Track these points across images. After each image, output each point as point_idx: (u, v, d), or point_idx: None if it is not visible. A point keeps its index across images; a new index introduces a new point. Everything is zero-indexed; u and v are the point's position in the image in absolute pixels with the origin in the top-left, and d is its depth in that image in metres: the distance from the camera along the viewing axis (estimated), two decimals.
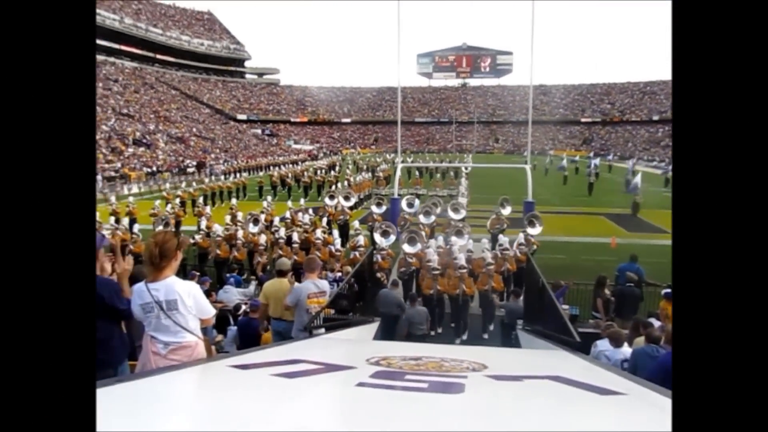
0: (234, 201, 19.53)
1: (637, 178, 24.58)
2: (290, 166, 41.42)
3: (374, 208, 16.35)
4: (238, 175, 35.84)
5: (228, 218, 15.08)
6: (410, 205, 16.09)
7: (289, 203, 17.26)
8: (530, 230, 12.64)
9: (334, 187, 23.47)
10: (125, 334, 3.53)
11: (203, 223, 14.31)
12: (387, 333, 8.10)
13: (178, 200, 20.90)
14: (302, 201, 19.09)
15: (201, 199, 20.08)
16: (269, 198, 19.45)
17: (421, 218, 14.09)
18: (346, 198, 17.34)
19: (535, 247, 12.39)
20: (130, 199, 19.61)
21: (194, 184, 27.79)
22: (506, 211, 15.36)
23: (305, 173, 31.81)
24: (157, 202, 18.85)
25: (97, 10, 62.43)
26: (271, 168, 41.79)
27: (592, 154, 53.42)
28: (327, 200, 17.95)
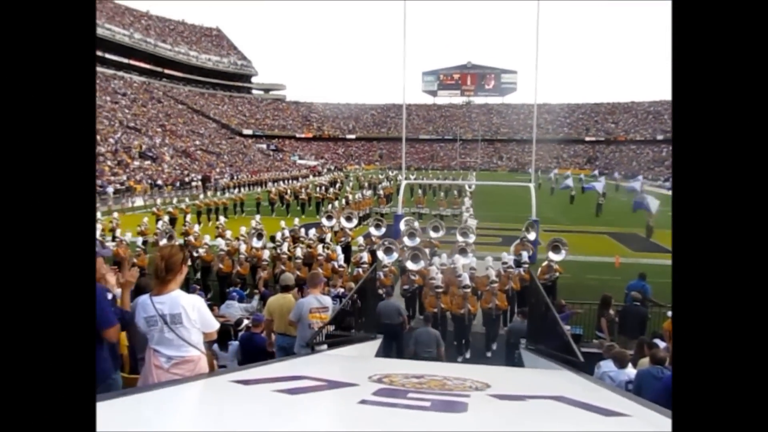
0: (222, 219, 18.75)
1: (648, 200, 23.21)
2: (290, 182, 41.01)
3: (373, 230, 15.37)
4: (236, 190, 35.33)
5: (229, 235, 14.60)
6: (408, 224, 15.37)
7: (282, 223, 16.55)
8: (553, 256, 11.85)
9: (331, 206, 22.80)
10: (115, 345, 3.51)
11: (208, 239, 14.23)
12: (390, 343, 8.09)
13: (167, 217, 20.17)
14: (296, 220, 18.22)
15: (188, 217, 19.22)
16: (257, 217, 18.65)
17: (405, 240, 13.28)
18: (348, 219, 16.83)
19: (557, 274, 11.55)
20: (115, 214, 19.59)
21: (187, 200, 27.28)
22: (531, 236, 14.44)
23: (304, 190, 31.27)
24: (146, 219, 18.28)
25: (108, 25, 63.47)
26: (270, 184, 41.36)
27: (597, 173, 53.31)
28: (324, 221, 17.21)
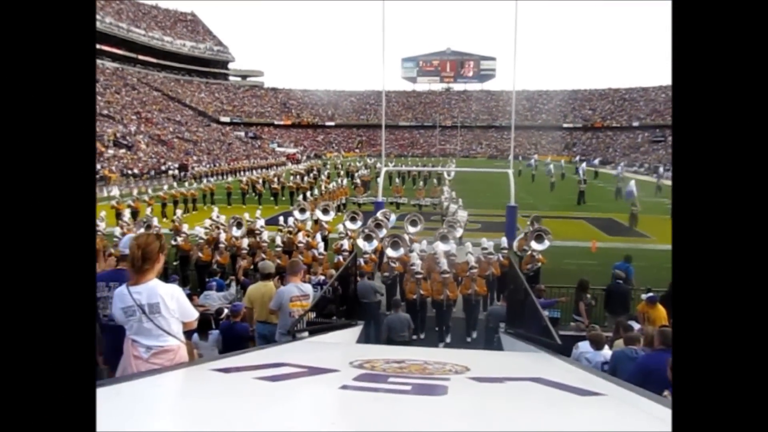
0: (179, 212, 17.71)
1: (632, 185, 23.76)
2: (263, 170, 39.43)
3: (348, 224, 14.15)
4: (209, 179, 34.14)
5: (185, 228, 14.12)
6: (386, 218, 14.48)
7: (246, 215, 15.72)
8: (536, 245, 11.39)
9: (302, 196, 21.94)
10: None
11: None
12: (369, 325, 8.23)
13: (128, 211, 18.94)
14: (258, 212, 16.73)
15: (149, 210, 18.24)
16: (216, 209, 17.86)
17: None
18: (325, 211, 16.09)
19: (539, 264, 11.27)
20: None
21: (150, 191, 26.10)
22: None
23: (277, 179, 30.17)
24: (103, 213, 16.79)
25: None
26: (242, 173, 40.39)
27: (577, 159, 53.82)
28: (297, 214, 16.16)
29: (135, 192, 26.83)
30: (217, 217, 15.66)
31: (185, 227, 14.33)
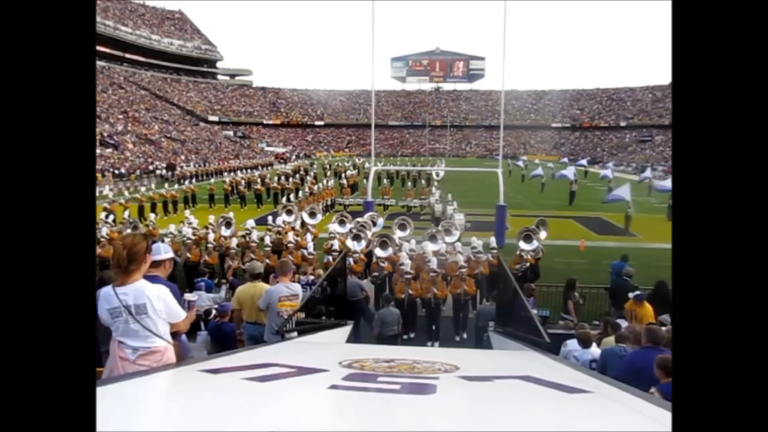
0: (152, 216, 17.43)
1: (623, 190, 21.83)
2: (247, 171, 38.47)
3: (337, 227, 13.73)
4: (187, 180, 32.98)
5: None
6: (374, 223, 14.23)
7: (211, 218, 15.14)
8: (524, 245, 11.43)
9: (285, 198, 21.70)
10: None
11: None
12: (358, 322, 8.38)
13: (104, 214, 17.24)
14: (231, 213, 15.45)
15: (126, 214, 17.58)
16: (187, 212, 17.38)
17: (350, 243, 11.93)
18: (312, 215, 15.77)
19: (527, 264, 11.21)
20: None
21: (127, 193, 25.10)
22: (542, 234, 13.04)
23: (261, 180, 29.35)
24: None
25: None
26: (225, 173, 39.81)
27: (566, 160, 54.02)
28: (284, 216, 15.74)
29: (111, 194, 25.64)
30: (189, 218, 15.00)
31: (172, 227, 14.21)
